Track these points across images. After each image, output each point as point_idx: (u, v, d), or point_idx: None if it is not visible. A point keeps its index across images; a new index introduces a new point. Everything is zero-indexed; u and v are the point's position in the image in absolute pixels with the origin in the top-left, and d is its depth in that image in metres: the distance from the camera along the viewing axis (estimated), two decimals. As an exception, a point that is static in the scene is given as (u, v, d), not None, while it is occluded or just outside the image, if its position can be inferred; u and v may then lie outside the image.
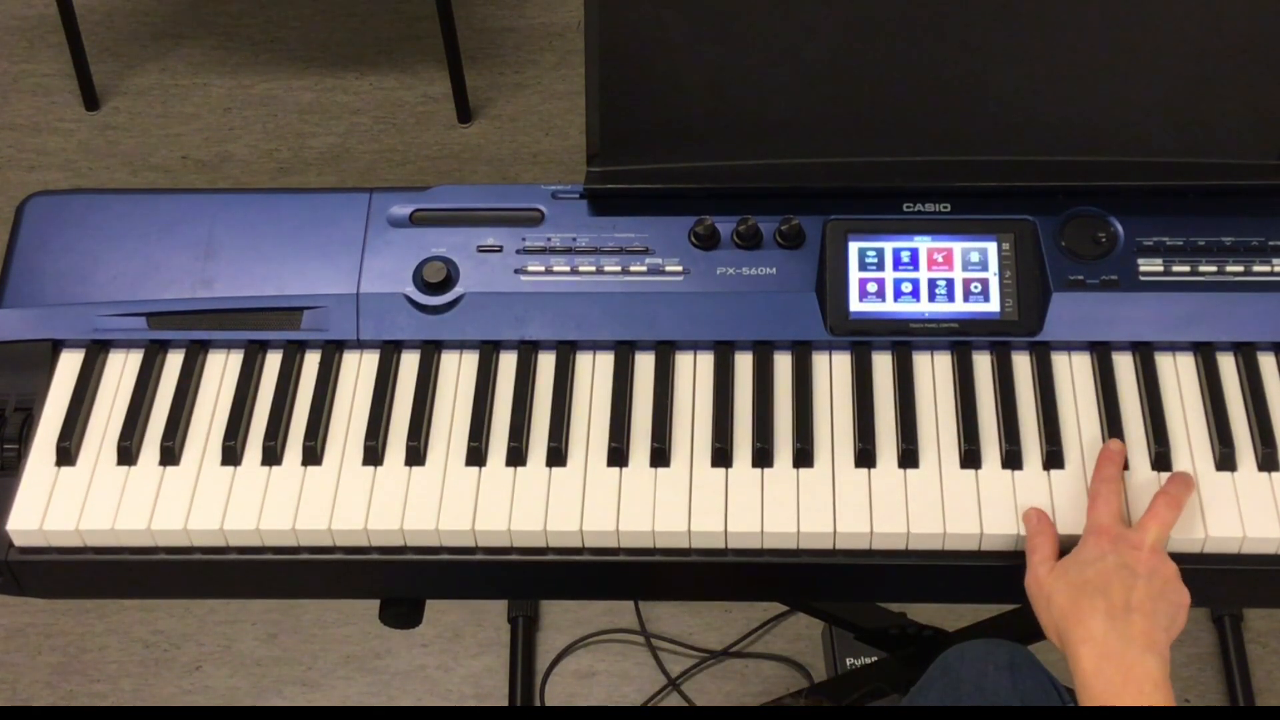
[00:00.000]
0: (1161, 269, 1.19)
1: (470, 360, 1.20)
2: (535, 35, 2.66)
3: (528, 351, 1.20)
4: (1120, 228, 1.21)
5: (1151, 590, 1.01)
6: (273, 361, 1.21)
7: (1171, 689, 0.97)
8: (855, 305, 1.19)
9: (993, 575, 1.12)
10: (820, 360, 1.19)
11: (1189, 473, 1.12)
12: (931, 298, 1.20)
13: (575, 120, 2.50)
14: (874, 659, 1.86)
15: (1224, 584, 1.14)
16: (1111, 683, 0.96)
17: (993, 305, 1.19)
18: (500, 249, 1.22)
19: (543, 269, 1.21)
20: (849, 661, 1.91)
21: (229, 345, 1.22)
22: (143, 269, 1.23)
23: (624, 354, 1.19)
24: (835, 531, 1.10)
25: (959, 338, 1.19)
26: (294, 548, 1.13)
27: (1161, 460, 1.13)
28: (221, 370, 1.21)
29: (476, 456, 1.15)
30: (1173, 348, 1.19)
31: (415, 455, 1.15)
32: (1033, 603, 1.06)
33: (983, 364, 1.19)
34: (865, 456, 1.14)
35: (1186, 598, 1.04)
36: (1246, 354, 1.18)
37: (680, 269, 1.21)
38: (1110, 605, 1.00)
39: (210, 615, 2.05)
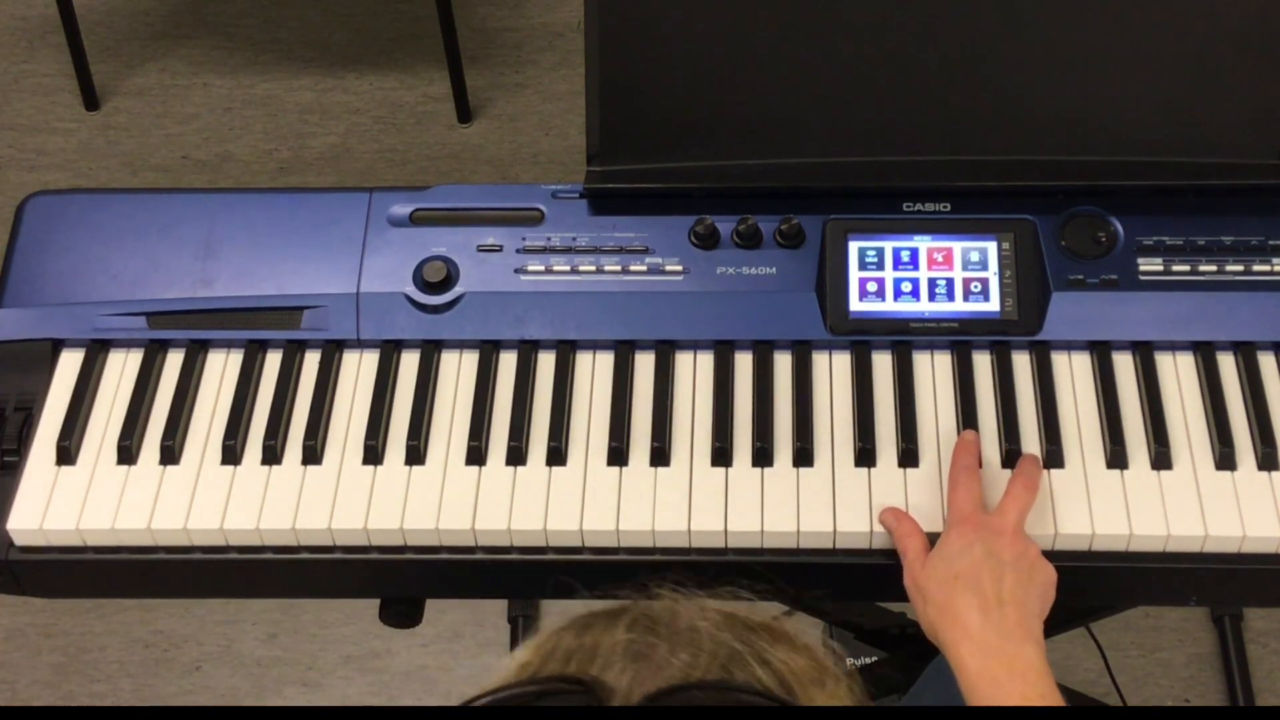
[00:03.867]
0: (1161, 269, 1.19)
1: (470, 360, 1.20)
2: (535, 35, 2.66)
3: (528, 351, 1.20)
4: (1120, 227, 1.21)
5: (1020, 577, 1.02)
6: (273, 361, 1.21)
7: (1051, 673, 0.98)
8: (855, 305, 1.19)
9: (993, 575, 1.12)
10: (820, 360, 1.19)
11: (1037, 454, 1.12)
12: (931, 297, 1.20)
13: (575, 120, 2.50)
14: (874, 659, 1.86)
15: (1224, 584, 1.14)
16: (996, 678, 0.97)
17: (993, 305, 1.19)
18: (500, 249, 1.22)
19: (543, 269, 1.21)
20: (849, 661, 1.91)
21: (229, 345, 1.22)
22: (143, 269, 1.23)
23: (624, 354, 1.19)
24: (835, 531, 1.10)
25: (959, 337, 1.19)
26: (294, 547, 1.13)
27: (1161, 460, 1.13)
28: (221, 370, 1.21)
29: (476, 456, 1.15)
30: (1173, 347, 1.19)
31: (415, 455, 1.15)
32: (911, 602, 1.06)
33: (983, 363, 1.19)
34: (865, 456, 1.14)
35: (1053, 574, 1.05)
36: (1246, 354, 1.18)
37: (680, 269, 1.21)
38: (983, 600, 1.00)
39: (210, 615, 2.05)
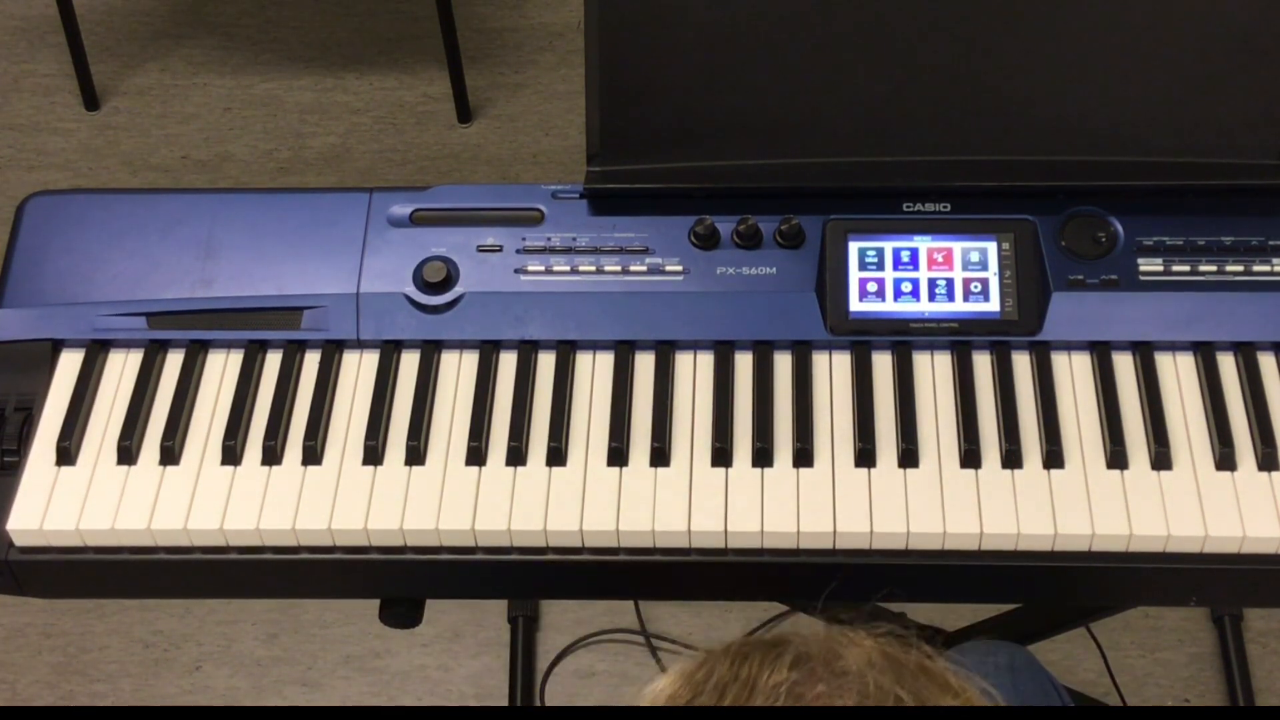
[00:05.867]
0: (1161, 269, 1.19)
1: (470, 360, 1.20)
2: (535, 35, 2.66)
3: (528, 351, 1.20)
4: (1120, 228, 1.21)
5: None
6: (273, 361, 1.21)
7: None
8: (855, 305, 1.19)
9: (992, 575, 1.12)
10: (820, 360, 1.19)
11: None
12: (931, 297, 1.20)
13: (575, 120, 2.50)
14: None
15: (1224, 584, 1.14)
16: None
17: (993, 305, 1.19)
18: (500, 249, 1.22)
19: (543, 269, 1.21)
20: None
21: (229, 345, 1.22)
22: (143, 269, 1.23)
23: (624, 354, 1.19)
24: (835, 531, 1.10)
25: (959, 337, 1.19)
26: (294, 548, 1.13)
27: (1161, 460, 1.13)
28: (221, 370, 1.21)
29: (476, 456, 1.15)
30: (1173, 347, 1.19)
31: (415, 455, 1.15)
32: None
33: (983, 363, 1.19)
34: (865, 456, 1.14)
35: None
36: (1246, 354, 1.18)
37: (680, 269, 1.21)
38: None
39: (210, 615, 2.05)
